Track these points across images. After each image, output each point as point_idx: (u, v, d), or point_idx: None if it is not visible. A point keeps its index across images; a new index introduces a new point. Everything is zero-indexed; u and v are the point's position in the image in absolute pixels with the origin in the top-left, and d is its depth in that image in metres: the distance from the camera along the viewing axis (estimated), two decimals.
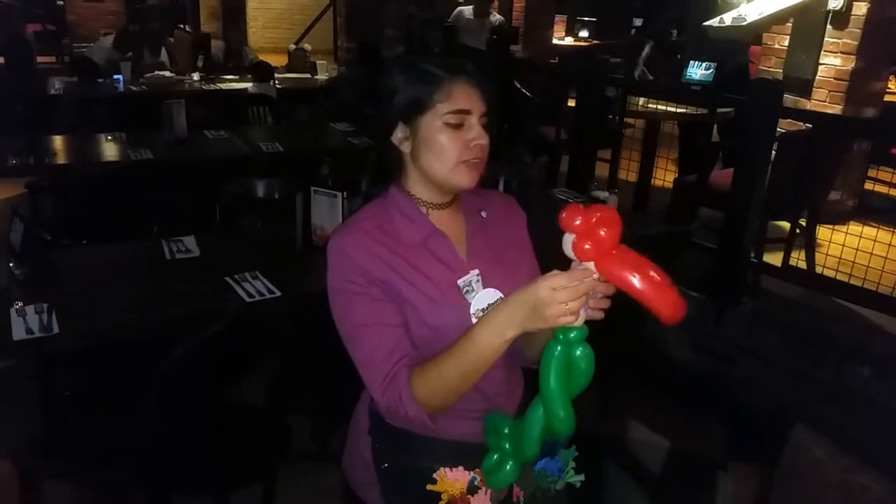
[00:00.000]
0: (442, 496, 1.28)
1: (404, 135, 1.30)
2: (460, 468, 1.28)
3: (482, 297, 1.30)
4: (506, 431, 1.19)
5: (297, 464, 2.46)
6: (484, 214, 1.40)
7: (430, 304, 1.27)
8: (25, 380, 2.44)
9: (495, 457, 1.19)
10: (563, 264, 1.09)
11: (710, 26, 4.99)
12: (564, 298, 1.04)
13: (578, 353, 1.06)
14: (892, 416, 2.73)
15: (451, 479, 1.27)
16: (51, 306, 2.02)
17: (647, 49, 5.91)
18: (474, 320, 1.27)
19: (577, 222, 1.01)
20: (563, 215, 1.02)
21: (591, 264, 1.03)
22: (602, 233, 0.99)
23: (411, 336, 1.26)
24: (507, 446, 1.18)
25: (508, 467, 1.18)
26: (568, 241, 1.03)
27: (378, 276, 1.25)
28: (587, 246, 1.00)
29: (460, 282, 1.30)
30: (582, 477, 1.24)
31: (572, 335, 1.06)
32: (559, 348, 1.06)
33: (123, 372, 2.25)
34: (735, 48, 5.00)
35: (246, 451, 2.27)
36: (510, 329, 1.11)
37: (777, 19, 4.96)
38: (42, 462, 2.10)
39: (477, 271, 1.32)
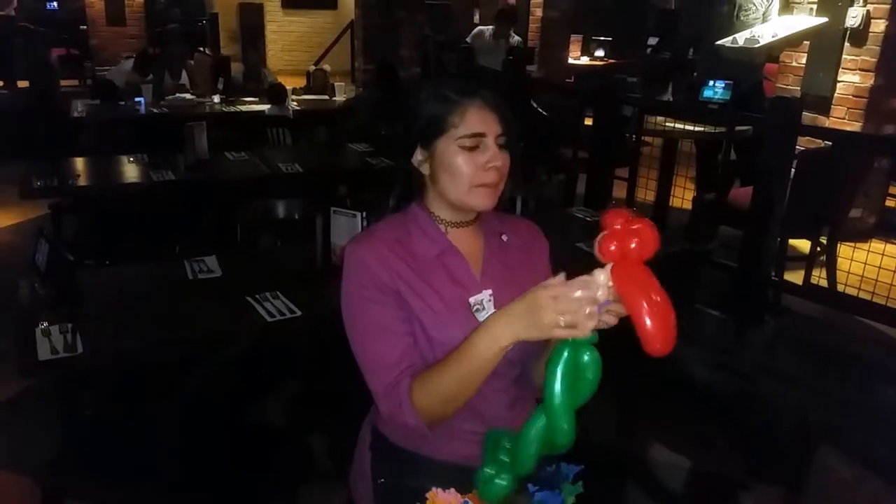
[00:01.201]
0: None
1: (423, 157, 1.33)
2: (452, 490, 1.27)
3: (489, 315, 1.28)
4: (506, 445, 1.18)
5: (315, 483, 2.46)
6: (505, 238, 1.41)
7: (438, 319, 1.28)
8: (49, 399, 2.46)
9: (491, 469, 1.18)
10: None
11: (723, 46, 5.00)
12: (561, 308, 1.04)
13: (586, 358, 1.05)
14: None
15: (442, 500, 1.26)
16: (75, 326, 2.04)
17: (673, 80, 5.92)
18: None
19: (617, 225, 1.02)
20: (607, 213, 1.04)
21: (607, 270, 1.03)
22: (633, 244, 1.00)
23: (419, 349, 1.27)
24: (506, 458, 1.17)
25: (502, 480, 1.16)
26: (599, 236, 1.04)
27: (391, 286, 1.27)
28: (612, 247, 1.01)
29: (472, 300, 1.31)
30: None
31: (580, 341, 1.05)
32: (566, 352, 1.05)
33: (146, 392, 2.27)
34: (751, 67, 5.00)
35: (265, 470, 2.27)
36: (506, 335, 1.12)
37: (790, 42, 4.96)
38: (64, 480, 2.11)
39: (490, 291, 1.33)
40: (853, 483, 1.51)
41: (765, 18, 5.08)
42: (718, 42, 5.06)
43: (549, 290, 1.06)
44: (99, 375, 2.19)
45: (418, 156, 1.33)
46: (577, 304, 1.03)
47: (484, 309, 1.31)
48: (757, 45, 4.82)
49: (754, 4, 5.09)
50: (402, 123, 1.35)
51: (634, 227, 1.01)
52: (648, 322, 0.98)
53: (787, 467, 1.81)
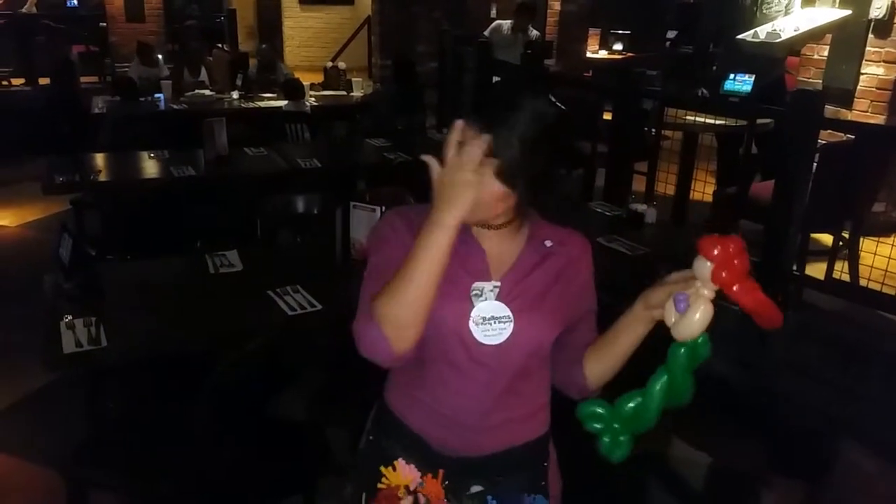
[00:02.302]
0: (384, 480, 1.35)
1: None
2: (412, 466, 1.33)
3: (487, 307, 1.28)
4: (604, 413, 1.23)
5: (336, 477, 2.47)
6: (548, 244, 1.36)
7: (438, 295, 1.20)
8: (73, 391, 2.49)
9: (607, 438, 1.24)
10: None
11: (744, 40, 4.94)
12: (463, 161, 1.12)
13: (701, 348, 1.18)
14: None
15: (401, 470, 1.34)
16: (99, 320, 2.06)
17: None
18: (472, 326, 1.27)
19: (716, 252, 1.12)
20: (702, 245, 1.14)
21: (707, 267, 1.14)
22: (736, 262, 1.11)
23: None
24: (616, 425, 1.23)
25: (623, 439, 1.23)
26: (705, 268, 1.13)
27: (405, 241, 1.23)
28: (724, 274, 1.11)
29: (475, 285, 1.29)
30: None
31: (700, 340, 1.17)
32: (683, 348, 1.17)
33: (168, 385, 2.29)
34: (773, 60, 4.94)
35: (287, 463, 2.28)
36: (440, 213, 1.13)
37: (812, 36, 4.90)
38: (88, 472, 2.14)
39: (498, 283, 1.29)
40: (876, 477, 1.50)
41: (787, 11, 5.02)
42: (740, 36, 5.01)
43: (449, 161, 1.13)
44: (123, 368, 2.22)
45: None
46: (474, 154, 1.12)
47: (483, 296, 1.28)
48: (778, 40, 4.77)
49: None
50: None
51: (731, 247, 1.12)
52: (769, 313, 1.14)
53: (810, 463, 1.79)
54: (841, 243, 3.73)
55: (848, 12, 4.73)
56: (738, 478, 2.68)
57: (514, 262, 1.33)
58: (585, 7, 8.22)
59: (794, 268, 3.52)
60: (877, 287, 3.40)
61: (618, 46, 9.05)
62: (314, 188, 3.55)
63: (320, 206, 3.25)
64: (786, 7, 5.00)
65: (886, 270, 3.42)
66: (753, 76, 4.61)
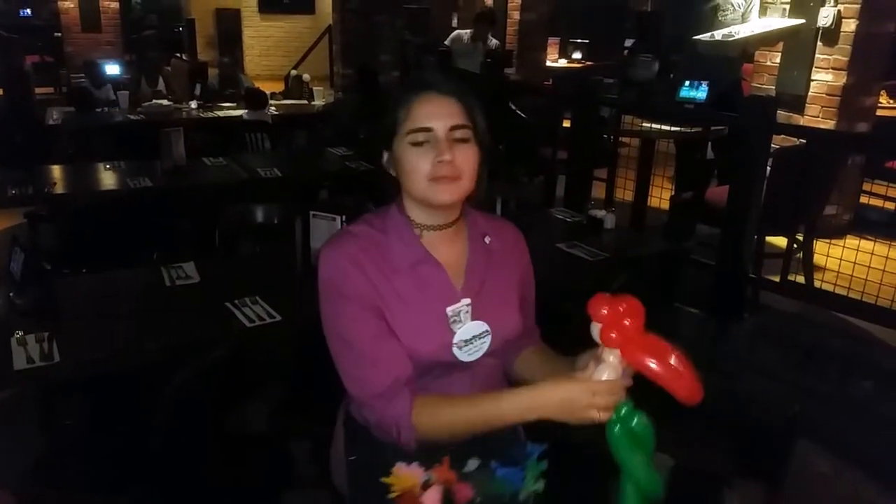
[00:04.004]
0: (393, 488, 1.29)
1: (387, 158, 1.32)
2: (415, 465, 1.30)
3: (468, 329, 1.31)
4: None
5: (299, 490, 2.44)
6: (488, 240, 1.39)
7: (414, 331, 1.27)
8: (26, 409, 2.43)
9: None
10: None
11: (699, 41, 5.02)
12: (601, 404, 1.11)
13: (635, 422, 1.14)
14: (891, 427, 2.72)
15: (405, 473, 1.29)
16: (51, 335, 2.02)
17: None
18: (455, 350, 1.29)
19: (604, 311, 1.09)
20: (591, 305, 1.10)
21: (616, 353, 1.11)
22: (627, 322, 1.08)
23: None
24: None
25: None
26: (595, 329, 1.11)
27: (370, 296, 1.26)
28: (613, 335, 1.08)
29: (449, 310, 1.30)
30: (542, 486, 1.31)
31: (623, 412, 1.12)
32: (617, 427, 1.12)
33: (124, 399, 2.24)
34: (729, 65, 5.04)
35: (249, 477, 2.25)
36: (534, 413, 1.17)
37: (765, 40, 5.01)
38: (43, 491, 2.08)
39: (468, 301, 1.32)
40: (832, 475, 1.53)
41: (744, 19, 5.13)
42: (696, 37, 5.09)
43: (591, 386, 1.12)
44: (77, 384, 2.17)
45: (385, 158, 1.32)
46: (612, 396, 1.12)
47: (461, 321, 1.30)
48: (732, 39, 4.85)
49: (733, 5, 5.13)
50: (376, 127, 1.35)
51: (622, 307, 1.09)
52: (674, 385, 1.09)
53: (769, 462, 1.83)
54: (795, 246, 3.82)
55: (801, 21, 4.85)
56: (700, 478, 2.71)
57: (466, 266, 1.35)
58: (544, 16, 8.29)
59: (751, 270, 3.58)
60: (830, 288, 3.48)
61: (577, 55, 9.17)
62: (275, 198, 3.52)
63: (280, 215, 3.22)
64: (742, 15, 5.12)
65: (839, 272, 3.51)
66: (708, 83, 4.70)
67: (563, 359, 1.35)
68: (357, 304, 1.26)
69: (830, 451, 1.59)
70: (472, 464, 1.33)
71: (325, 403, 2.40)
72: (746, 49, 5.03)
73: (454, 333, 1.30)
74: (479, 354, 1.33)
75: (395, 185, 1.34)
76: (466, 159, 1.26)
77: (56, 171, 4.11)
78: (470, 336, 1.31)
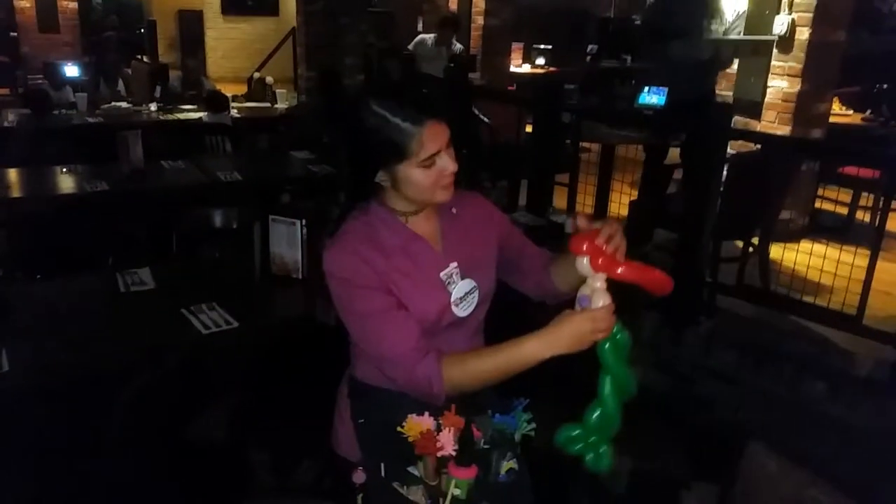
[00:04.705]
0: (409, 435, 1.41)
1: (384, 176, 1.45)
2: (426, 414, 1.42)
3: (461, 287, 1.53)
4: (579, 432, 1.37)
5: (259, 499, 2.42)
6: (454, 210, 1.57)
7: (418, 298, 1.47)
8: None
9: (590, 455, 1.38)
10: None
11: (675, 43, 4.83)
12: (602, 328, 1.32)
13: (619, 336, 1.34)
14: (844, 430, 2.79)
15: (418, 422, 1.41)
16: (1, 343, 1.97)
17: None
18: (454, 308, 1.51)
19: (585, 246, 1.29)
20: (572, 244, 1.31)
21: (601, 276, 1.31)
22: (606, 248, 1.30)
23: None
24: (592, 439, 1.37)
25: (603, 450, 1.37)
26: (584, 262, 1.31)
27: (378, 278, 1.44)
28: (600, 261, 1.29)
29: (442, 275, 1.51)
30: (534, 426, 1.47)
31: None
32: (607, 343, 1.33)
33: (77, 409, 2.20)
34: (702, 73, 4.96)
35: (206, 487, 2.23)
36: (551, 349, 1.35)
37: (738, 50, 4.98)
38: None
39: (455, 264, 1.53)
40: (779, 475, 1.56)
41: (727, 33, 5.03)
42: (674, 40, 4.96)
43: (588, 316, 1.32)
44: (27, 394, 2.12)
45: (380, 175, 1.45)
46: (610, 318, 1.32)
47: (454, 282, 1.52)
48: (709, 39, 4.75)
49: (723, 18, 5.00)
50: (353, 142, 1.45)
51: (597, 238, 1.29)
52: (648, 281, 1.30)
53: (722, 463, 1.86)
54: (751, 250, 3.89)
55: (772, 38, 4.86)
56: (657, 481, 2.75)
57: (442, 235, 1.55)
58: (508, 21, 8.32)
59: (707, 274, 3.64)
60: (785, 292, 3.55)
61: (540, 61, 9.24)
62: (236, 202, 3.49)
63: (239, 219, 3.20)
64: (724, 32, 5.02)
65: (793, 275, 3.59)
66: (668, 89, 4.75)
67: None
68: (368, 286, 1.44)
69: (781, 452, 1.63)
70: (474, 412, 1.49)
71: (282, 411, 2.39)
72: (721, 55, 4.95)
73: (451, 293, 1.51)
74: (472, 308, 1.55)
75: (377, 188, 1.49)
76: (457, 162, 1.45)
77: (11, 174, 4.03)
78: (463, 293, 1.53)
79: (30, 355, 2.01)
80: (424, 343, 1.43)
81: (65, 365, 2.03)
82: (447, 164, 1.43)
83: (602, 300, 1.31)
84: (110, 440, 1.94)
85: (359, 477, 1.49)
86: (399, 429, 1.42)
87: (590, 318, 1.31)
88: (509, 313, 1.69)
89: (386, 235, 1.48)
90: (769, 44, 4.80)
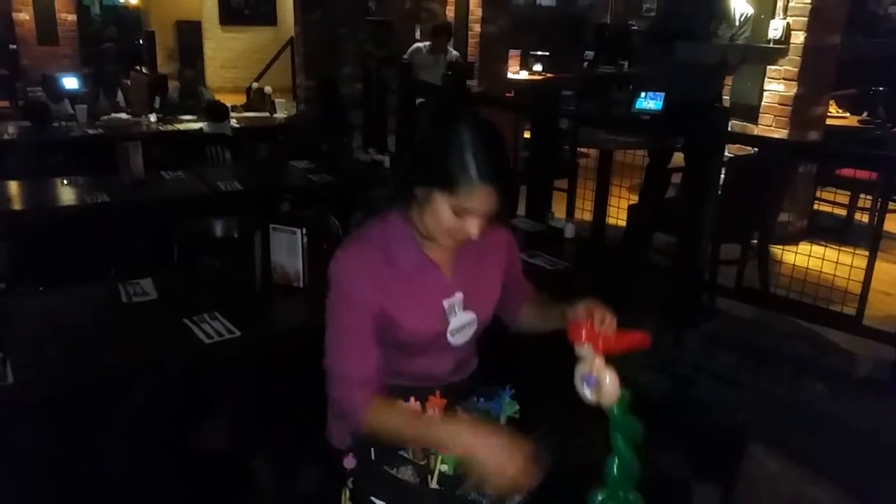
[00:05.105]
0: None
1: (421, 191, 1.44)
2: (412, 399, 1.50)
3: (460, 319, 1.54)
4: (606, 495, 1.46)
5: None
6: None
7: (416, 320, 1.50)
8: None
9: None
10: None
11: (680, 45, 4.70)
12: (518, 480, 1.30)
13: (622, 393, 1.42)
14: (844, 430, 2.80)
15: (405, 406, 1.50)
16: (5, 356, 1.99)
17: None
18: (449, 337, 1.54)
19: (584, 335, 1.40)
20: (572, 335, 1.41)
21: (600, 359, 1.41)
22: (602, 331, 1.40)
23: (395, 340, 1.51)
24: (621, 493, 1.46)
25: (632, 497, 1.48)
26: (586, 349, 1.40)
27: (374, 303, 1.46)
28: (601, 344, 1.39)
29: (445, 304, 1.52)
30: (518, 408, 1.57)
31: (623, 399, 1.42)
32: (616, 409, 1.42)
33: (81, 419, 2.21)
34: (708, 78, 4.88)
35: (211, 495, 2.24)
36: (465, 448, 1.34)
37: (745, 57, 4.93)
38: None
39: (461, 295, 1.54)
40: (778, 475, 1.57)
41: (734, 38, 4.94)
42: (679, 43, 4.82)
43: (520, 452, 1.31)
44: (31, 404, 2.14)
45: (420, 189, 1.44)
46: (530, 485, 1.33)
47: (455, 312, 1.53)
48: (717, 44, 4.67)
49: (734, 20, 4.91)
50: (413, 153, 1.51)
51: (592, 325, 1.40)
52: (640, 343, 1.43)
53: (723, 464, 1.87)
54: (751, 252, 3.90)
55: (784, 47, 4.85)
56: (660, 483, 2.75)
57: (454, 262, 1.56)
58: (505, 29, 8.36)
59: (707, 277, 3.65)
60: (784, 293, 3.56)
61: (538, 67, 9.26)
62: (236, 211, 3.50)
63: (241, 229, 3.21)
64: (731, 37, 4.95)
65: (792, 276, 3.60)
66: (663, 94, 4.77)
67: (556, 306, 1.58)
68: (355, 301, 1.46)
69: (781, 453, 1.64)
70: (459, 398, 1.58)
71: (284, 419, 2.41)
72: (727, 59, 4.90)
73: (449, 323, 1.53)
74: (466, 339, 1.58)
75: (409, 196, 1.48)
76: (481, 229, 1.44)
77: (12, 186, 4.04)
78: (461, 325, 1.55)
79: (34, 367, 2.01)
80: (375, 380, 1.47)
81: (69, 375, 2.04)
82: (472, 228, 1.42)
83: (608, 375, 1.38)
84: (114, 448, 1.95)
85: (349, 462, 1.56)
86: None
87: (517, 459, 1.31)
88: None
89: (400, 253, 1.49)
90: (777, 50, 4.80)
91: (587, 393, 1.41)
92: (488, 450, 1.31)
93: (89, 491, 2.05)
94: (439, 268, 1.53)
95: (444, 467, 1.47)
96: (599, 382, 1.39)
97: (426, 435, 1.41)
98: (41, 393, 2.00)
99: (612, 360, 1.41)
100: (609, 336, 1.40)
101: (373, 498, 1.51)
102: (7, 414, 2.17)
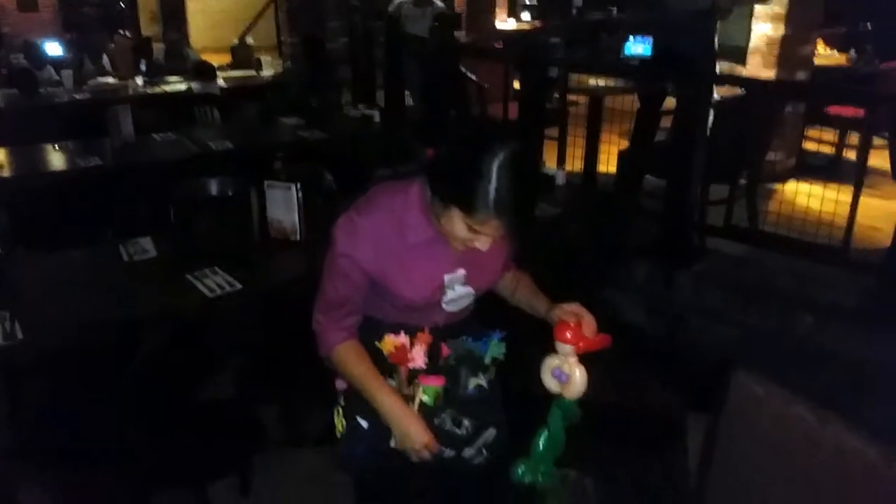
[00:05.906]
0: (386, 350, 1.63)
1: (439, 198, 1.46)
2: (402, 333, 1.62)
3: (458, 291, 1.60)
4: (528, 467, 1.62)
5: (271, 452, 2.51)
6: None
7: (413, 291, 1.56)
8: None
9: (540, 479, 1.62)
10: None
11: None
12: (424, 450, 1.56)
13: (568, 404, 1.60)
14: (832, 359, 2.88)
15: (393, 339, 1.62)
16: (13, 314, 2.04)
17: None
18: (444, 305, 1.61)
19: (569, 335, 1.54)
20: (558, 335, 1.55)
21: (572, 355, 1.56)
22: (585, 333, 1.55)
23: (389, 299, 1.59)
24: (542, 467, 1.61)
25: (546, 470, 1.62)
26: (567, 348, 1.54)
27: (368, 271, 1.53)
28: (581, 345, 1.54)
29: (447, 277, 1.58)
30: (503, 351, 1.70)
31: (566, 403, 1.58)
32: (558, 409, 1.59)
33: (91, 374, 2.27)
34: (700, 23, 4.86)
35: (220, 444, 2.31)
36: (387, 416, 1.57)
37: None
38: (14, 468, 2.11)
39: (463, 271, 1.59)
40: (763, 398, 1.64)
41: None
42: None
43: (425, 435, 1.55)
44: (42, 361, 2.19)
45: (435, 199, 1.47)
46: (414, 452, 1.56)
47: (454, 287, 1.59)
48: None
49: None
50: (447, 157, 1.45)
51: (576, 326, 1.54)
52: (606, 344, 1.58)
53: (712, 394, 1.94)
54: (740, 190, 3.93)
55: None
56: (651, 419, 2.85)
57: None
58: None
59: (696, 217, 3.69)
60: (772, 230, 3.61)
61: (526, 16, 9.16)
62: (228, 170, 3.51)
63: (235, 188, 3.22)
64: None
65: (780, 214, 3.65)
66: (651, 39, 4.75)
67: (541, 299, 1.71)
68: (351, 260, 1.52)
69: (766, 379, 1.70)
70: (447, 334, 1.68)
71: (289, 367, 2.47)
72: (717, 3, 4.85)
73: (445, 294, 1.59)
74: (461, 307, 1.65)
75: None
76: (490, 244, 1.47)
77: (2, 153, 4.04)
78: (457, 297, 1.61)
79: (42, 325, 2.07)
80: (348, 324, 1.62)
81: (77, 332, 2.09)
82: (483, 243, 1.45)
83: (578, 371, 1.53)
84: (124, 401, 2.01)
85: (340, 384, 1.70)
86: (377, 343, 1.63)
87: (422, 440, 1.55)
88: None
89: (412, 225, 1.51)
90: None
91: (552, 384, 1.56)
92: (398, 430, 1.56)
93: (99, 444, 2.11)
94: (447, 244, 1.53)
95: (426, 398, 1.61)
96: (570, 378, 1.54)
97: (370, 397, 1.57)
98: (52, 349, 2.05)
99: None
100: (590, 340, 1.54)
101: (358, 418, 1.67)
102: (19, 369, 2.23)
